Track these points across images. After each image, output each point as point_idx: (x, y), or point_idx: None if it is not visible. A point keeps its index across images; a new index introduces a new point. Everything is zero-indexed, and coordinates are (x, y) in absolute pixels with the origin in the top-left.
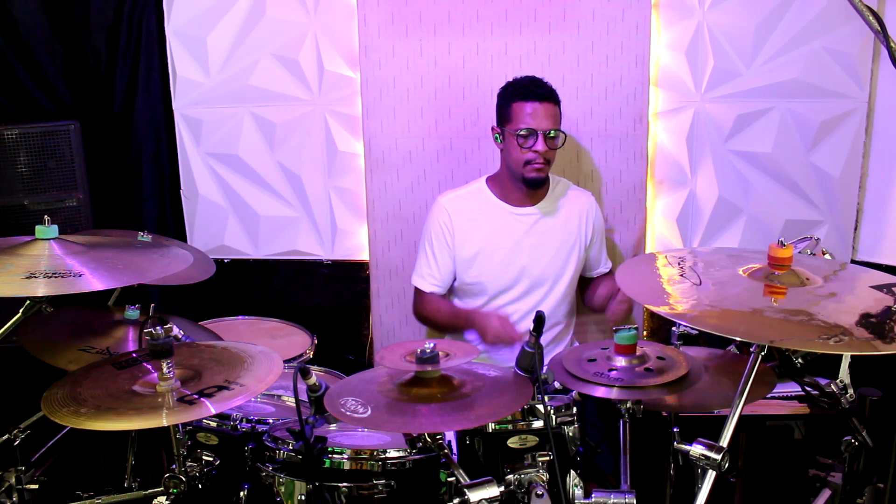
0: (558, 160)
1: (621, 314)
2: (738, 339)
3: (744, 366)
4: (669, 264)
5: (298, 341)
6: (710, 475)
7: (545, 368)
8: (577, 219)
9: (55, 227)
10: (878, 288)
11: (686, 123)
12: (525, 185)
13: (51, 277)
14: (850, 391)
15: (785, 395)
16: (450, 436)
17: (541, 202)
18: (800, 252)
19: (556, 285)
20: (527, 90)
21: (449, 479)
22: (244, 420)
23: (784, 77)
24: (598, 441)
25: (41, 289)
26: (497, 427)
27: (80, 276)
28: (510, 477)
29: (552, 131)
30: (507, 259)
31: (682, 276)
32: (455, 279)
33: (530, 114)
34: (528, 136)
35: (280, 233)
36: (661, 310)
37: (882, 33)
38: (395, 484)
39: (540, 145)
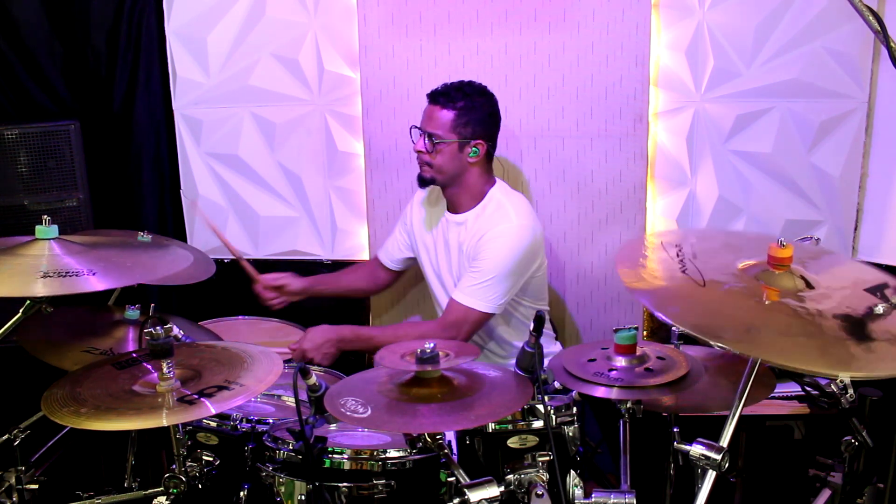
0: (559, 159)
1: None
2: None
3: (743, 366)
4: (666, 252)
5: None
6: (710, 475)
7: (545, 368)
8: (474, 240)
9: (55, 227)
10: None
11: (686, 123)
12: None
13: (52, 277)
14: (850, 391)
15: (785, 395)
16: (450, 436)
17: (465, 213)
18: None
19: None
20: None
21: (449, 479)
22: (244, 420)
23: (784, 77)
24: (597, 443)
25: (41, 288)
26: (497, 427)
27: (77, 274)
28: (510, 477)
29: (427, 132)
30: (429, 258)
31: (683, 272)
32: (402, 258)
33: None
34: (413, 133)
35: (280, 233)
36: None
37: (882, 33)
38: (395, 484)
39: (416, 144)
